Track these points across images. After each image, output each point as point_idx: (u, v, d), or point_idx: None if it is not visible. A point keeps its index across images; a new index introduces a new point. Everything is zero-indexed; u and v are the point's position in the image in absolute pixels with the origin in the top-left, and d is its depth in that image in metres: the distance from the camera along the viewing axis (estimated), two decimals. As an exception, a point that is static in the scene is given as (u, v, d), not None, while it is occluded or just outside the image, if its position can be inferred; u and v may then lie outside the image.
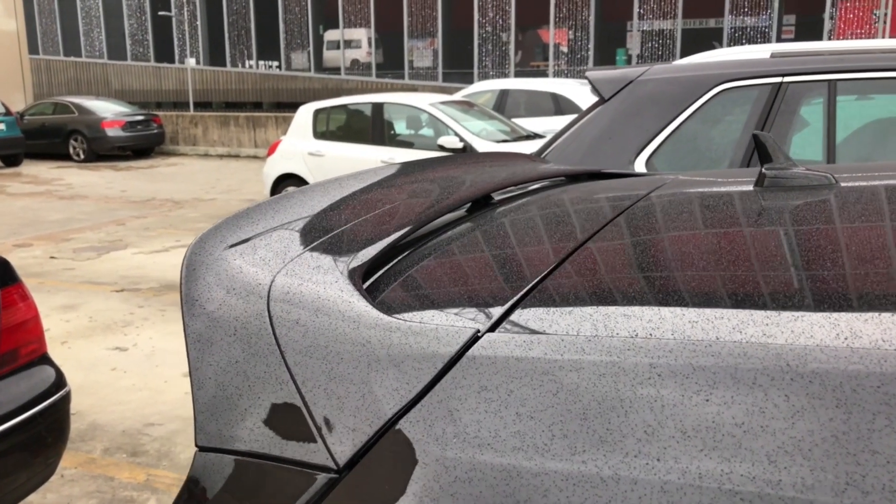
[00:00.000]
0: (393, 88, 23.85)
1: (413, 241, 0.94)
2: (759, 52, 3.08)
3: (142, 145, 17.22)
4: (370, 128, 8.61)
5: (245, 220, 0.88)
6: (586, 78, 3.19)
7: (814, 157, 2.72)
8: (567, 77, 22.07)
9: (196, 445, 0.64)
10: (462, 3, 25.76)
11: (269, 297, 0.70)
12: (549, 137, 3.43)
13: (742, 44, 22.94)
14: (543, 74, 24.24)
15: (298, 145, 8.85)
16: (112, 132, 16.46)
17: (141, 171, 14.94)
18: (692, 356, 0.52)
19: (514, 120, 9.42)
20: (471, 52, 25.96)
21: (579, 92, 10.05)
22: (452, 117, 8.25)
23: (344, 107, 8.93)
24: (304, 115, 8.98)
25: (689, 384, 0.50)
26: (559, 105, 10.08)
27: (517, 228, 0.99)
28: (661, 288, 0.68)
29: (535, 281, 0.71)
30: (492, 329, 0.61)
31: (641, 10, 24.12)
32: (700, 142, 2.99)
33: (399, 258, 0.87)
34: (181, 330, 5.20)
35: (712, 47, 22.80)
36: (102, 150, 16.56)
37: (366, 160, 8.37)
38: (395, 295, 0.75)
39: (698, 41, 23.53)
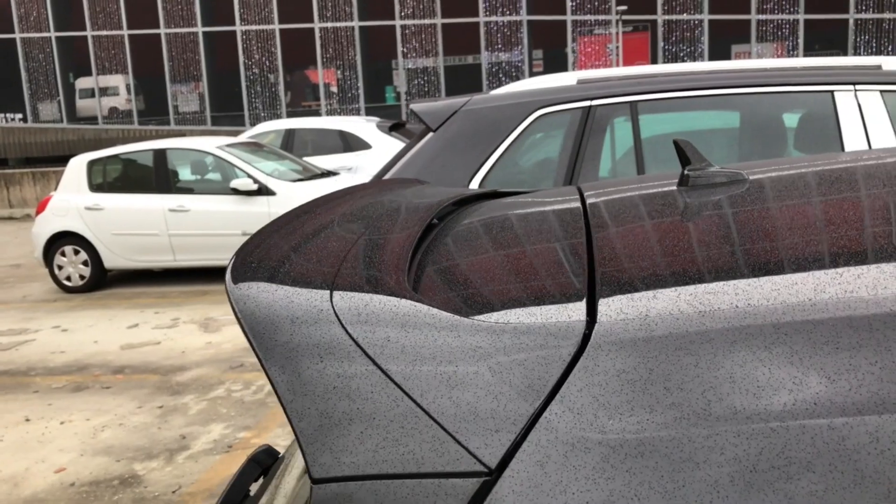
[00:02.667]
0: (159, 135, 22.69)
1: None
2: (566, 79, 3.37)
3: None
4: (153, 176, 8.17)
5: (266, 244, 0.84)
6: (412, 110, 3.31)
7: (627, 170, 3.03)
8: (340, 115, 22.37)
9: (311, 479, 0.61)
10: (225, 45, 25.22)
11: (339, 320, 0.68)
12: (378, 170, 3.49)
13: (499, 77, 24.62)
14: (316, 114, 24.35)
15: (73, 200, 8.16)
16: None
17: None
18: (798, 315, 0.60)
19: (305, 159, 9.39)
20: (239, 94, 25.44)
21: (366, 129, 10.26)
22: (242, 159, 8.05)
23: (121, 156, 8.39)
24: (76, 168, 8.31)
25: (812, 339, 0.58)
26: (347, 142, 10.21)
27: (504, 231, 1.04)
28: (689, 266, 0.76)
29: (588, 272, 0.76)
30: (590, 317, 0.65)
31: (405, 49, 25.11)
32: (525, 164, 3.21)
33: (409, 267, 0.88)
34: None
35: (473, 83, 24.28)
36: None
37: (151, 210, 7.93)
38: (453, 299, 0.77)
39: (459, 77, 24.94)
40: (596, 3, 24.05)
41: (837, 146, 2.86)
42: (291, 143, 10.37)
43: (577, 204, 1.10)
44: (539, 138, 3.18)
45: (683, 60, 23.65)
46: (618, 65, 23.77)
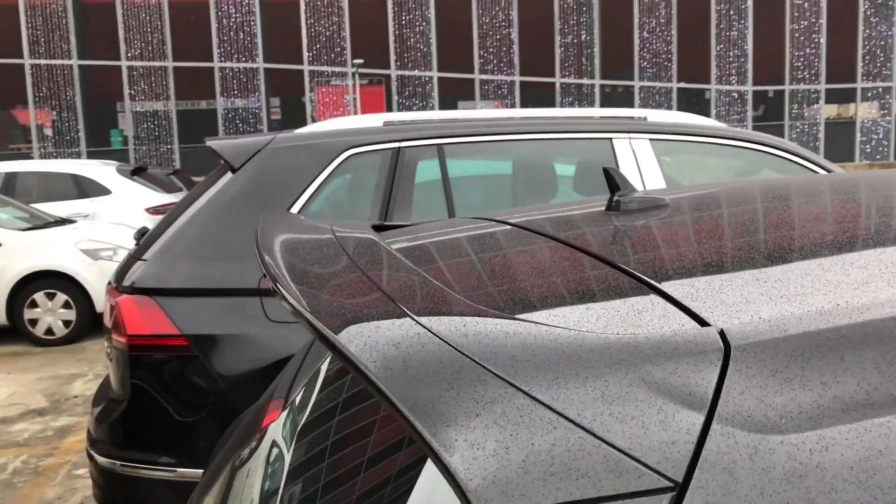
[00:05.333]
0: None
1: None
2: (371, 121, 3.38)
3: None
4: None
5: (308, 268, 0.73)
6: (210, 147, 3.10)
7: (438, 210, 3.10)
8: (57, 158, 20.32)
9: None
10: None
11: (450, 344, 0.62)
12: (167, 214, 3.22)
13: (236, 123, 24.07)
14: (27, 156, 21.91)
15: None
16: None
17: None
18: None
19: (32, 205, 8.37)
20: (-73, 134, 22.11)
21: (103, 173, 9.40)
22: (-44, 207, 6.99)
23: None
24: None
25: None
26: (82, 187, 9.27)
27: (495, 248, 1.00)
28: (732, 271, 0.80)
29: (639, 283, 0.76)
30: (702, 323, 0.65)
31: (132, 91, 23.60)
32: (338, 205, 3.15)
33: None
34: None
35: (209, 128, 23.44)
36: None
37: None
38: (540, 318, 0.72)
39: (193, 122, 23.98)
40: (333, 56, 24.58)
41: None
42: (13, 189, 9.19)
43: (506, 227, 1.11)
44: (349, 179, 3.16)
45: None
46: (356, 114, 24.42)
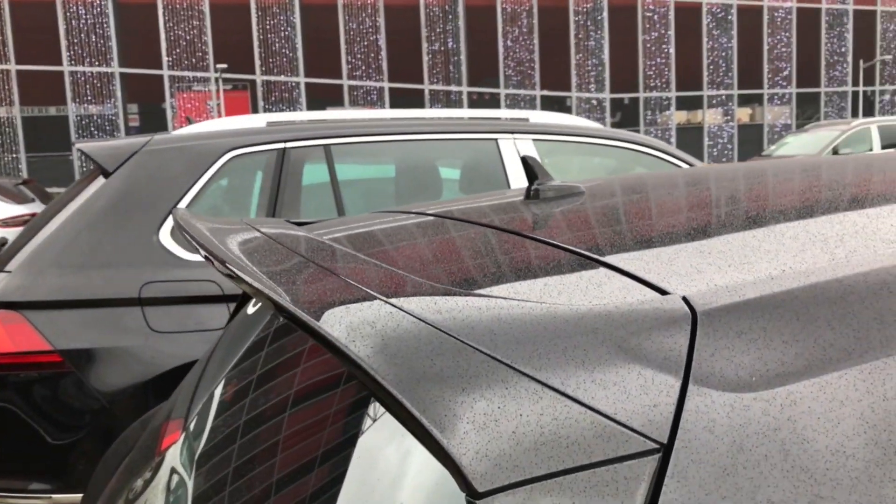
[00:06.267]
0: None
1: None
2: (254, 121, 3.27)
3: None
4: None
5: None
6: (80, 150, 2.90)
7: (327, 212, 3.04)
8: None
9: (476, 494, 0.52)
10: None
11: (426, 321, 0.60)
12: (32, 222, 3.00)
13: (91, 130, 22.78)
14: None
15: None
16: None
17: None
18: (845, 270, 0.69)
19: None
20: None
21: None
22: None
23: None
24: None
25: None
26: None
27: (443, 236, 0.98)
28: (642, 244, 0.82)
29: (593, 263, 0.77)
30: (662, 292, 0.67)
31: (-30, 96, 21.84)
32: (222, 207, 3.03)
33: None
34: None
35: (59, 135, 22.01)
36: None
37: None
38: (515, 293, 0.71)
39: (42, 129, 22.51)
40: (194, 60, 23.72)
41: (504, 183, 3.24)
42: None
43: (432, 217, 1.11)
44: (232, 181, 3.04)
45: (285, 120, 24.47)
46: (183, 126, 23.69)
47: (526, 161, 1.21)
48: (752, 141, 30.34)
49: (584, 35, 28.42)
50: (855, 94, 31.70)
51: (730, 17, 29.96)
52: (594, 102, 28.09)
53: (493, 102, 26.83)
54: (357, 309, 0.63)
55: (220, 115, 23.44)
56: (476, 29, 26.79)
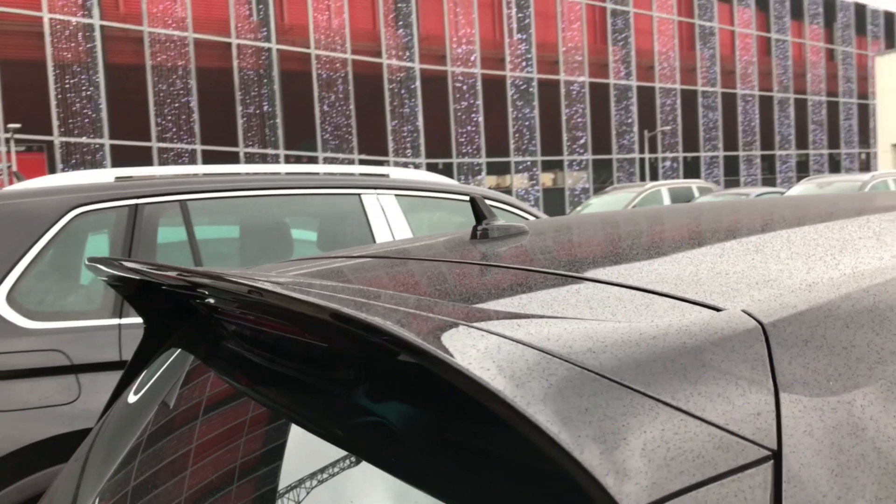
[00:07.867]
0: None
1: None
2: (102, 176, 3.01)
3: None
4: None
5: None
6: None
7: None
8: None
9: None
10: None
11: (527, 345, 0.57)
12: None
13: None
14: None
15: None
16: None
17: None
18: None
19: None
20: None
21: None
22: None
23: None
24: None
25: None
26: None
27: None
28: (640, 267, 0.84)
29: (623, 282, 0.77)
30: (717, 309, 0.68)
31: None
32: (69, 268, 2.74)
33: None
34: None
35: None
36: None
37: None
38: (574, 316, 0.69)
39: None
40: (-20, 118, 21.72)
41: (369, 238, 3.22)
42: None
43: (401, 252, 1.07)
44: (80, 239, 2.78)
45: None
46: (11, 184, 21.73)
47: (474, 201, 1.20)
48: (555, 204, 32.47)
49: (398, 102, 29.31)
50: (642, 160, 35.02)
51: (531, 90, 32.21)
52: (411, 167, 28.86)
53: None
54: (459, 336, 0.59)
55: (11, 180, 21.50)
56: (292, 93, 26.79)
